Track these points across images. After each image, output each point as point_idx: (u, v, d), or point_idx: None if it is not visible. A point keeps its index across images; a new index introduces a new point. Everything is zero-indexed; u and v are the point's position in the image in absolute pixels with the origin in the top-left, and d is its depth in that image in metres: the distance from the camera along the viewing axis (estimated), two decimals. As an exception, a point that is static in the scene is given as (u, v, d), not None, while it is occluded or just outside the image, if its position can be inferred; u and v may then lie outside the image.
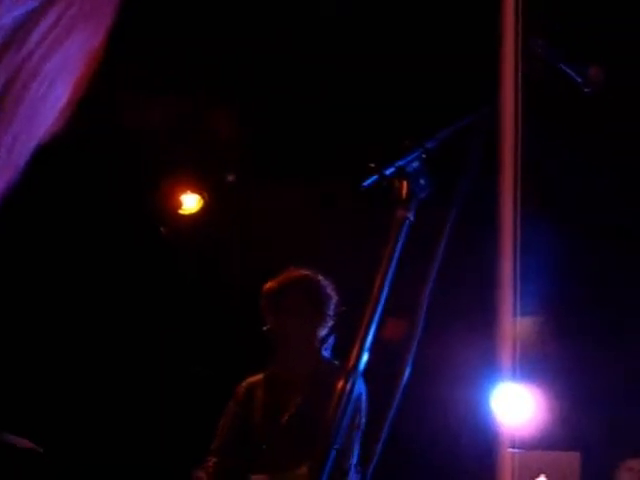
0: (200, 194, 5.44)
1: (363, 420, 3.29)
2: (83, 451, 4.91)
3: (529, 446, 3.53)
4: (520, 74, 1.89)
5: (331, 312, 3.47)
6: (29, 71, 0.76)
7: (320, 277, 3.52)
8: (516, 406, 4.05)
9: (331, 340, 3.52)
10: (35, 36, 0.75)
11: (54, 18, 0.74)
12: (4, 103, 0.74)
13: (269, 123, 4.73)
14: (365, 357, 1.67)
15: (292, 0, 3.98)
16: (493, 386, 4.20)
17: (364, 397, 3.28)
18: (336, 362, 3.41)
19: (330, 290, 3.49)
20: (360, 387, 3.27)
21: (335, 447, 1.57)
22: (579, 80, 2.23)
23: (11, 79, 0.74)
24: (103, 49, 0.82)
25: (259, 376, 3.57)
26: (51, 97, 0.77)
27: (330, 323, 3.48)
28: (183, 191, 5.43)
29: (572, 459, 3.43)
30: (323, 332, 3.47)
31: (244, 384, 3.57)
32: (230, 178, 5.28)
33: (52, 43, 0.76)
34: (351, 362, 1.63)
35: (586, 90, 2.24)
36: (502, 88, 1.85)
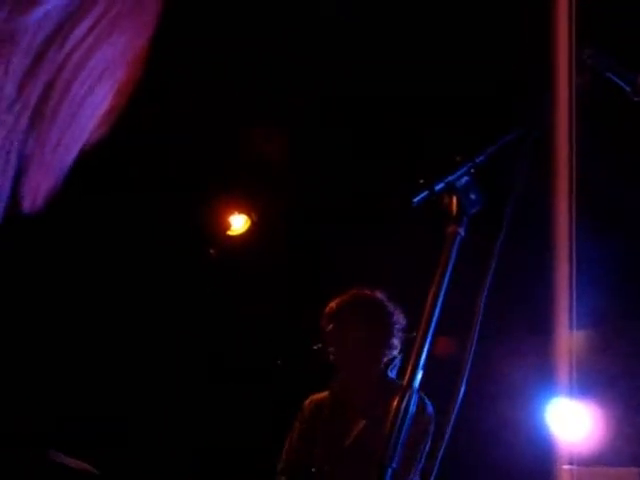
0: (248, 215, 5.47)
1: (428, 445, 3.24)
2: (137, 472, 4.94)
3: (587, 462, 3.46)
4: (574, 85, 1.87)
5: (395, 333, 3.42)
6: (71, 70, 0.73)
7: (383, 297, 3.49)
8: (573, 422, 3.98)
9: (397, 361, 3.47)
10: (77, 34, 0.73)
11: (96, 17, 0.73)
12: (48, 101, 0.73)
13: (319, 142, 4.74)
14: (420, 375, 1.65)
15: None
16: (549, 402, 4.15)
17: (432, 420, 3.25)
18: (401, 382, 3.35)
19: (393, 308, 3.46)
20: (428, 409, 3.24)
21: (392, 466, 1.56)
22: (628, 89, 2.20)
23: (53, 77, 0.72)
24: (147, 54, 0.81)
25: (324, 394, 3.55)
26: (93, 100, 0.75)
27: (396, 345, 3.43)
28: (231, 212, 5.47)
29: (631, 475, 3.36)
30: (388, 354, 3.42)
31: (309, 401, 3.55)
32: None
33: (94, 42, 0.75)
34: (406, 380, 1.62)
35: (636, 99, 2.21)
36: (556, 100, 1.83)
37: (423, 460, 3.22)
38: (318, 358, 3.46)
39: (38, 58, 0.72)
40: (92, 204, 4.54)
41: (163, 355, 5.27)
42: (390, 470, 1.57)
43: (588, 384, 3.79)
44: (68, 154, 0.74)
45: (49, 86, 0.71)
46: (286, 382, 4.37)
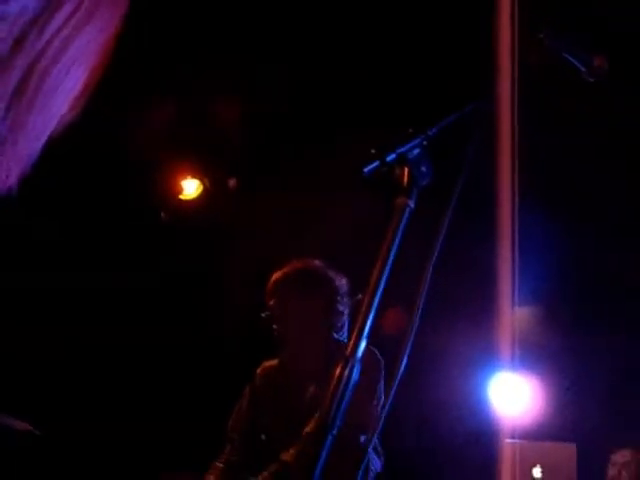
0: (200, 180, 5.44)
1: (382, 397, 3.27)
2: (82, 435, 4.92)
3: (526, 437, 3.53)
4: (517, 63, 1.88)
5: (338, 299, 3.44)
6: (49, 58, 0.76)
7: (321, 265, 3.50)
8: (514, 396, 4.05)
9: (345, 322, 3.49)
10: (55, 22, 0.76)
11: (74, 5, 0.75)
12: (25, 88, 0.74)
13: (270, 109, 4.72)
14: (363, 344, 1.66)
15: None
16: (491, 375, 4.21)
17: (381, 368, 3.27)
18: (345, 341, 3.39)
19: (334, 277, 3.47)
20: (374, 355, 3.24)
21: (332, 433, 1.57)
22: (583, 69, 2.22)
23: (32, 64, 0.75)
24: (116, 39, 0.82)
25: (274, 362, 3.56)
26: (66, 86, 0.78)
27: (341, 311, 3.45)
28: (184, 177, 5.43)
29: (569, 450, 3.43)
30: (334, 320, 3.44)
31: (260, 369, 3.57)
32: (232, 183, 5.25)
33: (72, 30, 0.77)
34: (349, 349, 1.63)
35: (590, 80, 2.23)
36: (500, 77, 1.84)
37: (379, 411, 3.23)
38: (267, 325, 3.46)
39: (16, 46, 0.73)
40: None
41: (114, 319, 5.24)
42: (330, 437, 1.58)
43: (530, 358, 3.85)
44: (40, 138, 0.76)
45: (27, 73, 0.73)
46: (236, 350, 4.36)
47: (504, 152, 1.87)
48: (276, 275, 3.48)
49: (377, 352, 3.25)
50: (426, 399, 4.49)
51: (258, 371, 3.56)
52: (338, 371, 1.59)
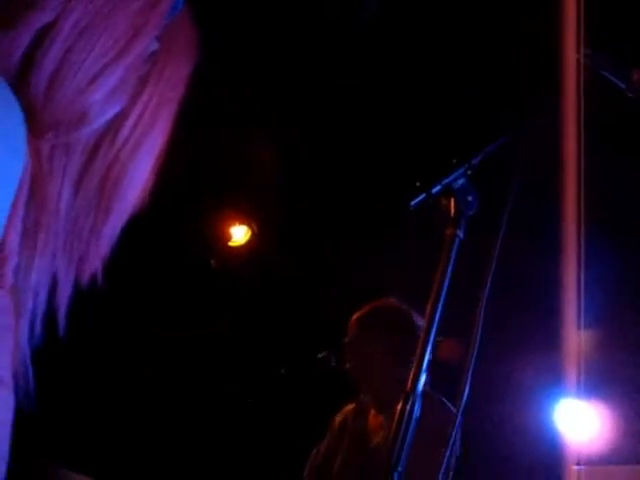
0: (248, 225, 5.47)
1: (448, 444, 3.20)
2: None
3: (596, 462, 3.45)
4: (581, 86, 1.88)
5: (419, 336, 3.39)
6: (122, 164, 0.83)
7: (404, 306, 3.47)
8: (581, 422, 3.97)
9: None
10: (124, 133, 0.83)
11: (138, 114, 0.83)
12: (104, 195, 0.81)
13: (314, 149, 4.75)
14: (423, 378, 1.65)
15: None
16: (557, 402, 4.13)
17: (448, 418, 3.20)
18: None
19: (416, 317, 3.44)
20: (444, 408, 3.18)
21: (398, 470, 1.55)
22: (623, 85, 2.21)
23: (106, 173, 0.81)
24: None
25: (351, 405, 3.54)
26: (140, 179, 0.84)
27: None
28: (232, 223, 5.47)
29: (637, 473, 3.34)
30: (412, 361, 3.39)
31: (339, 415, 3.55)
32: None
33: (139, 136, 0.85)
34: (409, 383, 1.62)
35: (630, 95, 2.21)
36: (564, 100, 1.83)
37: (445, 466, 3.16)
38: (322, 367, 3.45)
39: (91, 159, 0.81)
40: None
41: (163, 366, 5.26)
42: (396, 475, 1.57)
43: (596, 384, 3.78)
44: (118, 227, 0.83)
45: (104, 179, 0.80)
46: (290, 392, 4.35)
47: (569, 175, 1.86)
48: (358, 314, 3.46)
49: (447, 403, 3.18)
50: (490, 428, 4.42)
51: (336, 418, 3.54)
52: (399, 407, 1.58)
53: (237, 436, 5.22)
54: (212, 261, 5.54)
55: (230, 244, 5.51)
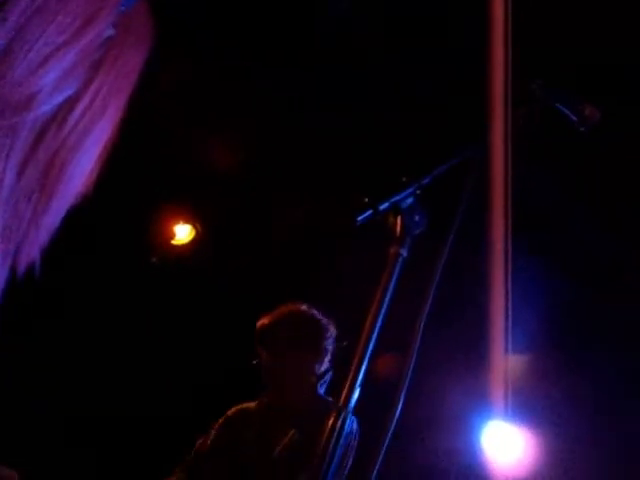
0: (192, 224, 5.43)
1: (350, 460, 3.23)
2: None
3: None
4: (510, 112, 1.90)
5: (328, 347, 3.41)
6: (68, 150, 0.80)
7: (315, 311, 3.47)
8: (507, 445, 4.02)
9: (327, 377, 3.46)
10: (74, 117, 0.80)
11: (88, 100, 0.80)
12: (48, 179, 0.78)
13: (264, 153, 4.74)
14: (356, 394, 1.65)
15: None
16: (484, 424, 4.18)
17: (356, 436, 3.23)
18: (330, 399, 3.36)
19: (326, 324, 3.44)
20: (352, 426, 3.22)
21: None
22: (575, 119, 2.24)
23: (53, 156, 0.79)
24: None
25: (252, 404, 3.51)
26: (85, 167, 0.82)
27: (328, 358, 3.42)
28: (176, 221, 5.43)
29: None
30: (321, 367, 3.41)
31: (236, 408, 3.51)
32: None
33: (88, 123, 0.83)
34: (342, 399, 1.61)
35: (582, 129, 2.25)
36: (493, 127, 1.85)
37: (345, 476, 3.20)
38: (257, 373, 3.43)
39: (36, 143, 0.78)
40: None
41: (98, 361, 5.20)
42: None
43: (523, 408, 3.83)
44: (59, 216, 0.80)
45: (48, 165, 0.78)
46: (225, 397, 4.33)
47: (498, 200, 1.87)
48: (264, 320, 3.44)
49: (354, 419, 3.20)
50: (417, 448, 4.45)
51: (230, 411, 3.50)
52: (331, 422, 1.57)
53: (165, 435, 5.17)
54: (154, 259, 5.48)
55: (173, 242, 5.46)
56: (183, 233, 5.45)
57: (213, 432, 3.46)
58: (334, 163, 4.50)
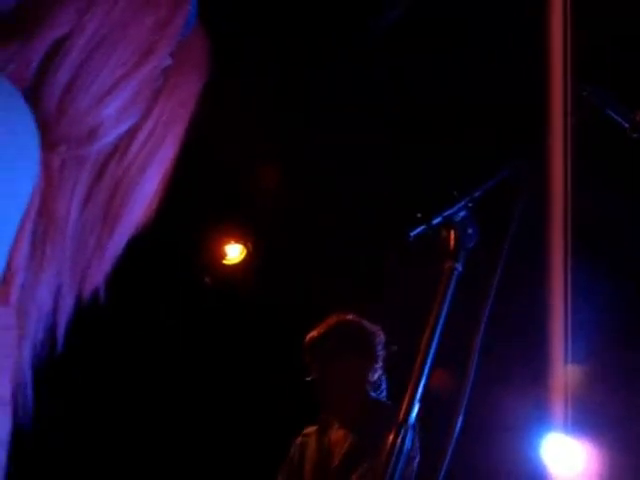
0: (244, 244, 5.47)
1: (413, 477, 3.21)
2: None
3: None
4: (569, 122, 1.88)
5: (379, 353, 3.41)
6: (130, 179, 0.83)
7: (362, 320, 3.47)
8: (568, 457, 3.96)
9: (383, 384, 3.45)
10: (134, 149, 0.82)
11: (149, 130, 0.82)
12: (110, 211, 0.80)
13: (313, 172, 4.76)
14: (416, 409, 1.64)
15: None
16: (544, 436, 4.12)
17: (417, 452, 3.21)
18: (387, 402, 3.35)
19: (375, 331, 3.44)
20: (413, 442, 3.19)
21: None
22: (626, 125, 2.21)
23: (114, 189, 0.81)
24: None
25: (314, 427, 3.53)
26: (146, 195, 0.84)
27: (379, 365, 3.42)
28: (227, 241, 5.47)
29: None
30: (373, 376, 3.40)
31: (299, 437, 3.53)
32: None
33: (149, 152, 0.85)
34: (401, 415, 1.61)
35: (634, 135, 2.22)
36: (551, 136, 1.84)
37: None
38: (312, 390, 3.43)
39: (100, 174, 0.81)
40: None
41: (159, 384, 5.24)
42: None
43: (582, 419, 3.77)
44: (122, 244, 0.83)
45: (111, 197, 0.79)
46: (283, 416, 4.34)
47: (556, 210, 1.86)
48: (313, 333, 3.45)
49: (417, 436, 3.16)
50: (478, 461, 4.40)
51: (297, 440, 3.52)
52: (391, 438, 1.56)
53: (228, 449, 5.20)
54: (207, 279, 5.53)
55: (224, 262, 5.50)
56: (235, 253, 5.48)
57: (285, 464, 3.49)
58: (385, 178, 4.50)
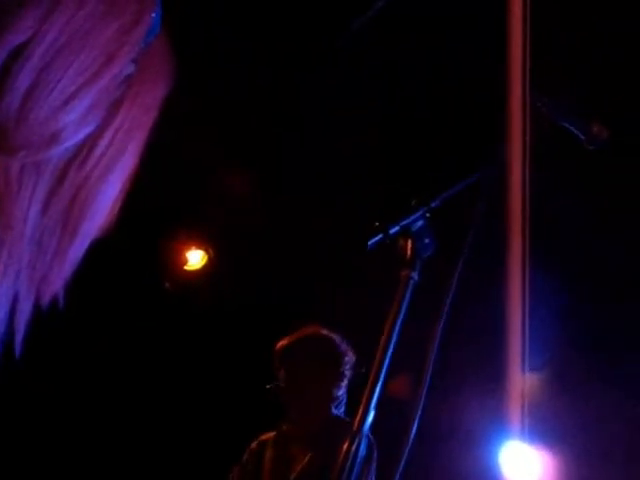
0: (205, 250, 5.44)
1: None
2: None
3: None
4: (528, 132, 1.90)
5: (346, 372, 3.43)
6: (91, 186, 0.84)
7: (334, 335, 3.49)
8: (525, 466, 3.99)
9: (343, 398, 3.47)
10: (95, 155, 0.83)
11: (110, 137, 0.82)
12: (71, 216, 0.80)
13: (275, 177, 4.76)
14: (371, 417, 1.65)
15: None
16: (501, 444, 4.15)
17: (373, 459, 3.22)
18: (347, 419, 3.36)
19: (345, 350, 3.46)
20: (369, 449, 3.20)
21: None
22: (582, 137, 2.24)
23: (75, 194, 0.81)
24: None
25: (271, 433, 3.52)
26: (107, 202, 0.85)
27: (344, 383, 3.43)
28: (188, 247, 5.44)
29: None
30: (338, 391, 3.42)
31: (255, 443, 3.53)
32: None
33: (110, 159, 0.85)
34: (356, 423, 1.61)
35: (590, 147, 2.25)
36: (510, 145, 1.86)
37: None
38: (271, 397, 3.43)
39: (60, 179, 0.81)
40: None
41: (118, 390, 5.20)
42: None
43: (540, 427, 3.80)
44: (82, 250, 0.83)
45: (70, 204, 0.79)
46: (239, 422, 4.33)
47: (514, 217, 1.88)
48: (284, 342, 3.46)
49: (371, 438, 3.19)
50: (434, 468, 4.42)
51: (252, 445, 3.52)
52: (346, 446, 1.57)
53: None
54: (167, 284, 5.50)
55: (186, 268, 5.48)
56: (196, 259, 5.46)
57: (237, 468, 3.48)
58: (343, 186, 4.51)
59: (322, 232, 4.63)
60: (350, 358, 3.45)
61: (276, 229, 4.91)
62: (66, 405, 5.09)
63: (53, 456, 5.06)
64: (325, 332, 3.49)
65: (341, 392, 3.43)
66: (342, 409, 3.46)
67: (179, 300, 5.43)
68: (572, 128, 2.23)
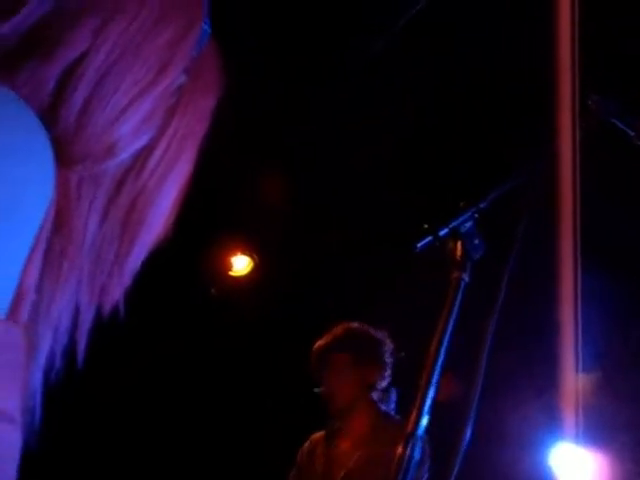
0: (250, 256, 5.46)
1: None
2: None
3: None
4: (577, 130, 1.88)
5: (387, 360, 3.40)
6: (148, 195, 0.85)
7: (369, 327, 3.46)
8: (577, 467, 3.94)
9: (393, 396, 3.44)
10: (151, 164, 0.85)
11: (165, 146, 0.84)
12: (128, 225, 0.82)
13: (320, 185, 4.76)
14: (425, 420, 1.64)
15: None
16: (553, 446, 4.10)
17: (427, 463, 3.19)
18: (397, 417, 3.34)
19: (382, 337, 3.43)
20: (423, 452, 3.18)
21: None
22: (632, 134, 2.21)
23: (132, 204, 0.83)
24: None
25: (322, 432, 3.52)
26: (163, 210, 0.86)
27: (387, 372, 3.40)
28: (233, 253, 5.47)
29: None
30: (382, 382, 3.39)
31: (306, 444, 3.52)
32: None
33: (166, 168, 0.86)
34: (410, 426, 1.60)
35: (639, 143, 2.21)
36: (560, 143, 1.84)
37: None
38: (320, 401, 3.43)
39: (117, 190, 0.83)
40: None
41: (165, 393, 5.24)
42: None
43: (593, 429, 3.75)
44: (140, 259, 0.85)
45: (129, 211, 0.83)
46: (290, 425, 4.33)
47: (565, 219, 1.86)
48: (320, 342, 3.44)
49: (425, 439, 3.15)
50: (487, 471, 4.38)
51: (304, 446, 3.51)
52: (400, 449, 1.56)
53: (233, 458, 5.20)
54: (212, 290, 5.53)
55: (231, 274, 5.50)
56: (241, 264, 5.48)
57: (292, 471, 3.48)
58: (391, 190, 4.50)
59: (368, 237, 4.62)
60: (388, 345, 3.42)
61: (321, 234, 4.91)
62: (127, 412, 5.15)
63: (116, 460, 5.11)
64: (358, 324, 3.46)
65: (385, 383, 3.40)
66: (392, 406, 3.43)
67: (225, 305, 5.45)
68: (622, 125, 2.20)
